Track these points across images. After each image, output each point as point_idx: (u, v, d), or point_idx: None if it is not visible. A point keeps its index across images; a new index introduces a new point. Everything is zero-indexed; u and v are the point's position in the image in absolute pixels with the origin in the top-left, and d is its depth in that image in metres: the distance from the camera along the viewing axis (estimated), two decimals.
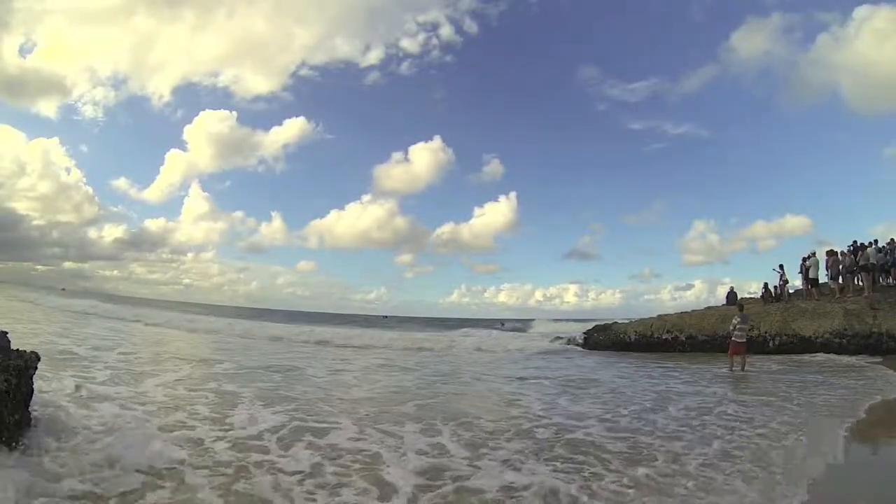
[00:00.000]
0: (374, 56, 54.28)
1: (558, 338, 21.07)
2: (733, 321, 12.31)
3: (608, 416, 7.11)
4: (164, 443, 4.73)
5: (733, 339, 12.14)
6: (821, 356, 14.27)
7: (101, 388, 7.05)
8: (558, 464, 4.88)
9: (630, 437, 5.90)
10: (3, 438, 3.80)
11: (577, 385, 9.95)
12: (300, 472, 4.34)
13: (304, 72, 54.82)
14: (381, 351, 16.80)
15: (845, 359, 13.68)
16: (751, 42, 51.06)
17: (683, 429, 6.36)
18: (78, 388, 6.67)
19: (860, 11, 43.71)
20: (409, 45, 53.82)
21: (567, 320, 35.35)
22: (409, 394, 8.56)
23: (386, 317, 50.45)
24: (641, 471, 4.66)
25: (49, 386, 6.29)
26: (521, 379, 10.77)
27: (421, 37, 53.07)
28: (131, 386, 7.52)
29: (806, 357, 14.32)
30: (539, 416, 7.02)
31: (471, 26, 54.01)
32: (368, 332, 23.86)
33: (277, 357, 13.26)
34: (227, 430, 5.51)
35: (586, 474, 4.59)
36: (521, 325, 37.59)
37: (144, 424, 5.43)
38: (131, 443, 4.43)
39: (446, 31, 53.24)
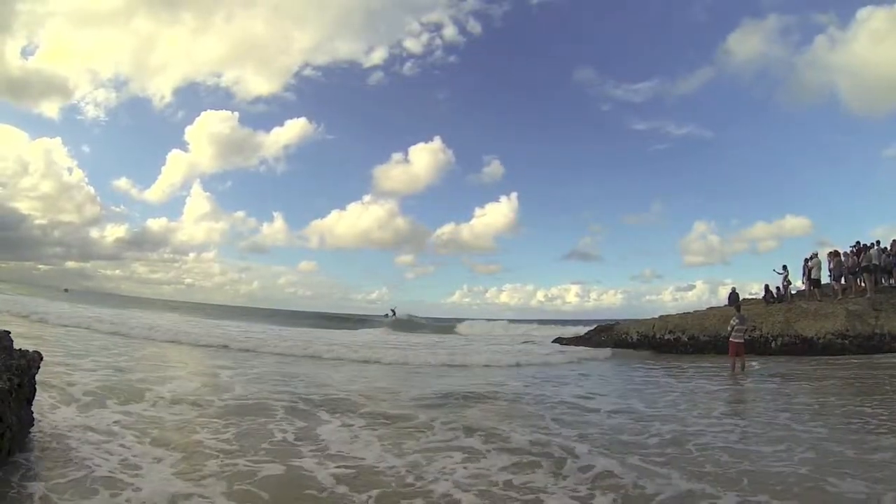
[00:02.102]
0: (378, 56, 54.29)
1: (560, 338, 21.07)
2: (731, 322, 12.32)
3: (708, 420, 6.48)
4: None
5: (731, 339, 12.16)
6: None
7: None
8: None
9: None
10: (7, 437, 3.89)
11: (627, 384, 9.70)
12: None
13: (307, 72, 54.94)
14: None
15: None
16: (747, 44, 50.43)
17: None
18: None
19: (862, 13, 43.24)
20: (412, 45, 53.80)
21: (499, 319, 32.87)
22: (466, 398, 8.15)
23: (387, 315, 50.46)
24: None
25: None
26: (548, 380, 10.65)
27: (424, 37, 53.02)
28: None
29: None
30: (625, 419, 6.56)
31: (474, 27, 53.93)
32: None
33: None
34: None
35: None
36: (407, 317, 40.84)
37: None
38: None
39: (450, 31, 53.23)
